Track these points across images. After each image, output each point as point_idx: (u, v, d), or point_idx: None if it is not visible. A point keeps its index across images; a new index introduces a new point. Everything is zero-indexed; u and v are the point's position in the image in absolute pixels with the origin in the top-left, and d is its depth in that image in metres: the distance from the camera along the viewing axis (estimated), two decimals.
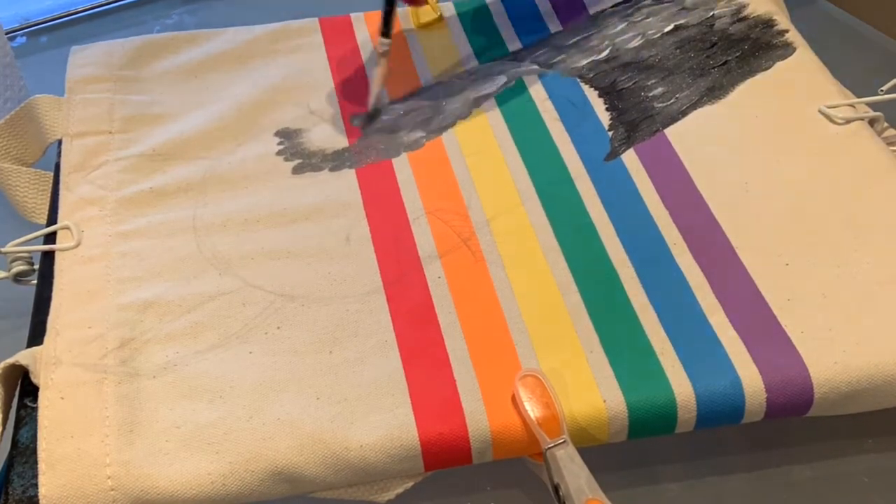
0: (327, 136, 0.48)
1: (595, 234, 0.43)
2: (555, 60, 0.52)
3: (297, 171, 0.46)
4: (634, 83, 0.50)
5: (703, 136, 0.47)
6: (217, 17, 0.64)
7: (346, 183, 0.46)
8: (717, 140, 0.47)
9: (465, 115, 0.49)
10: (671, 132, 0.47)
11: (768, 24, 0.52)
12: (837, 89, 0.49)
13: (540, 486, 0.37)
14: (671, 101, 0.49)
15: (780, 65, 0.50)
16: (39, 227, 0.44)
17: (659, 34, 0.53)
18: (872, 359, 0.37)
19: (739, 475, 0.40)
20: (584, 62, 0.52)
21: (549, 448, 0.35)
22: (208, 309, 0.40)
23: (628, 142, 0.47)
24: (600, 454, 0.36)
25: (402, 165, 0.46)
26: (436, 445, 0.36)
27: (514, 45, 0.53)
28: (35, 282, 0.42)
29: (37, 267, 0.43)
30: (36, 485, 0.34)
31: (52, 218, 0.44)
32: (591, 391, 0.37)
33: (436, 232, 0.43)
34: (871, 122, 0.47)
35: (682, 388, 0.37)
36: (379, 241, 0.43)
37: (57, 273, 0.41)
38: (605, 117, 0.48)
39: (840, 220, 0.43)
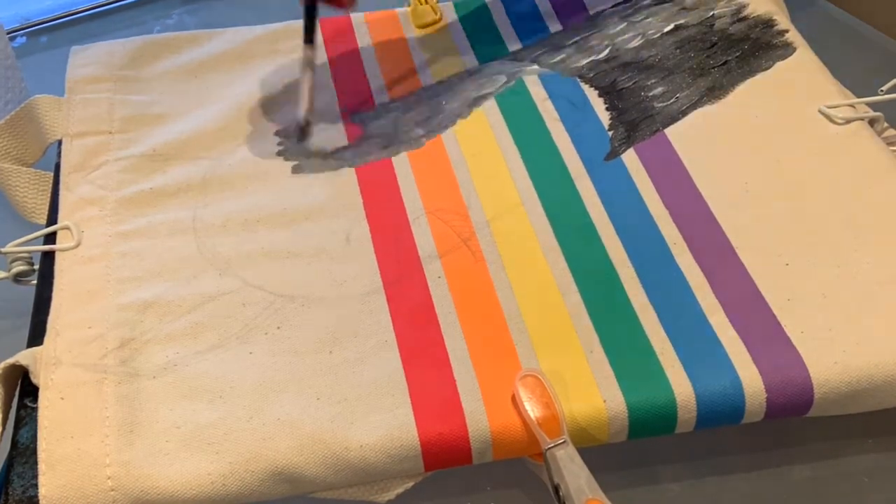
0: (327, 135, 0.48)
1: (595, 234, 0.43)
2: (555, 60, 0.52)
3: (297, 171, 0.46)
4: (634, 83, 0.50)
5: (703, 136, 0.47)
6: (217, 17, 0.64)
7: (346, 183, 0.46)
8: (717, 140, 0.47)
9: (465, 114, 0.49)
10: (671, 132, 0.47)
11: (768, 24, 0.52)
12: (837, 89, 0.49)
13: (540, 486, 0.37)
14: (671, 100, 0.49)
15: (780, 65, 0.50)
16: (39, 227, 0.44)
17: (659, 34, 0.53)
18: (872, 359, 0.37)
19: (739, 475, 0.40)
20: (584, 62, 0.52)
21: (549, 448, 0.35)
22: (208, 309, 0.40)
23: (628, 142, 0.47)
24: (600, 454, 0.36)
25: (402, 165, 0.46)
26: (436, 445, 0.36)
27: (514, 45, 0.53)
28: (35, 282, 0.42)
29: (37, 267, 0.43)
30: (36, 485, 0.34)
31: (52, 218, 0.44)
32: (591, 391, 0.37)
33: (436, 232, 0.43)
34: (871, 122, 0.47)
35: (682, 389, 0.37)
36: (379, 241, 0.43)
37: (57, 273, 0.41)
38: (605, 117, 0.48)
39: (840, 220, 0.43)
